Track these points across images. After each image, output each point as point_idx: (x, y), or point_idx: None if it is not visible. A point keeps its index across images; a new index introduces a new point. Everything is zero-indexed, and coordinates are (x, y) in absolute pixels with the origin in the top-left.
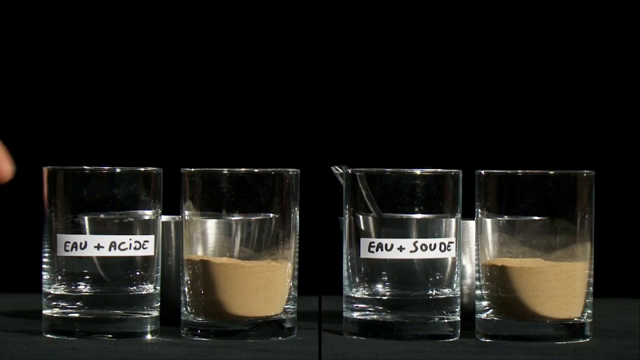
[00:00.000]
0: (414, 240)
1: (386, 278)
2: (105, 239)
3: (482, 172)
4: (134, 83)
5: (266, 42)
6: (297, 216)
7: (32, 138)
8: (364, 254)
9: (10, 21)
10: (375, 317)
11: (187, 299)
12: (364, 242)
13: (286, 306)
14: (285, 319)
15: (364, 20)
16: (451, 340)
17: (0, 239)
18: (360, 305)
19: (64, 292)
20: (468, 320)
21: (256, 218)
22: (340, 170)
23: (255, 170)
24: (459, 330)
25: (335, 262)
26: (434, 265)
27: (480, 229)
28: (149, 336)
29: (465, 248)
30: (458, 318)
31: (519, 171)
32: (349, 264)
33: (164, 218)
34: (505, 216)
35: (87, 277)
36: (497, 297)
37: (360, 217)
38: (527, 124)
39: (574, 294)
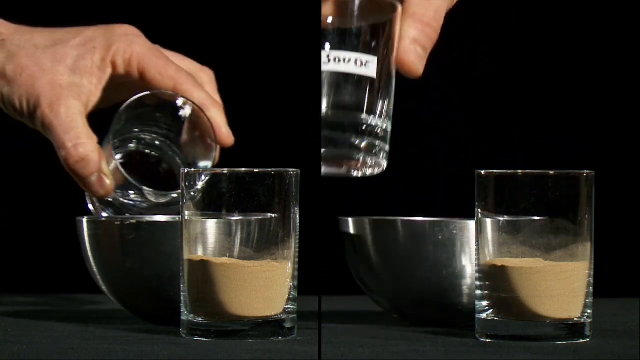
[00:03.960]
0: None
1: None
2: None
3: (482, 172)
4: None
5: (266, 41)
6: (297, 216)
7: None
8: None
9: None
10: None
11: (187, 299)
12: None
13: (286, 306)
14: (285, 319)
15: None
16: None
17: (0, 240)
18: None
19: None
20: (468, 320)
21: (256, 218)
22: None
23: (255, 170)
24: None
25: (335, 262)
26: None
27: (480, 229)
28: None
29: (465, 248)
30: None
31: (519, 171)
32: None
33: (164, 218)
34: (505, 216)
35: None
36: (497, 297)
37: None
38: (527, 124)
39: (574, 294)
